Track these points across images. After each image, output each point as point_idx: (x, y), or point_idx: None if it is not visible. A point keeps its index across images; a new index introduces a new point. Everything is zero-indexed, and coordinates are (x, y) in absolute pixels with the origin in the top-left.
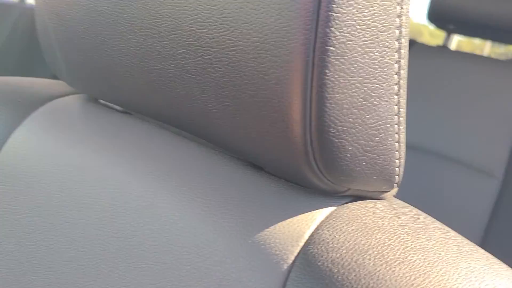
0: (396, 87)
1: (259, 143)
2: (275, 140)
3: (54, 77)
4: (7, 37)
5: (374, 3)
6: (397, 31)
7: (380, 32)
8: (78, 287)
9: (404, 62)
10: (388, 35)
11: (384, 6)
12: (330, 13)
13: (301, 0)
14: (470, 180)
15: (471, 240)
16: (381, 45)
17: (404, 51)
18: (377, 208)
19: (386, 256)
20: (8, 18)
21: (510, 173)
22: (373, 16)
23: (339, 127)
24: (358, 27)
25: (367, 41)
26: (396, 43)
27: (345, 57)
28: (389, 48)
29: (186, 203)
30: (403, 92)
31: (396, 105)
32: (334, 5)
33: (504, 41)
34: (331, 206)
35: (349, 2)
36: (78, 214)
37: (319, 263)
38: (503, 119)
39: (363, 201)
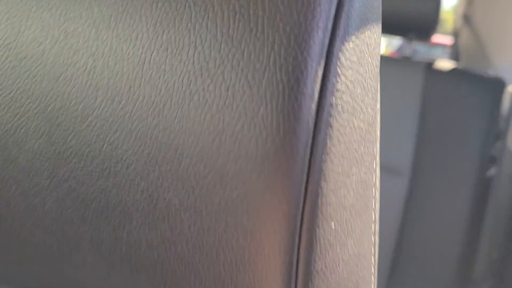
0: (373, 259)
1: None
2: None
3: None
4: None
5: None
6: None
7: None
8: None
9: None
10: (366, 216)
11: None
12: (309, 249)
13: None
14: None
15: (387, 237)
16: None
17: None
18: None
19: None
20: None
21: (417, 170)
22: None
23: None
24: (334, 234)
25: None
26: (373, 214)
27: (328, 269)
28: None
29: None
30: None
31: (373, 260)
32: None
33: (397, 34)
34: None
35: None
36: None
37: None
38: (406, 116)
39: None
